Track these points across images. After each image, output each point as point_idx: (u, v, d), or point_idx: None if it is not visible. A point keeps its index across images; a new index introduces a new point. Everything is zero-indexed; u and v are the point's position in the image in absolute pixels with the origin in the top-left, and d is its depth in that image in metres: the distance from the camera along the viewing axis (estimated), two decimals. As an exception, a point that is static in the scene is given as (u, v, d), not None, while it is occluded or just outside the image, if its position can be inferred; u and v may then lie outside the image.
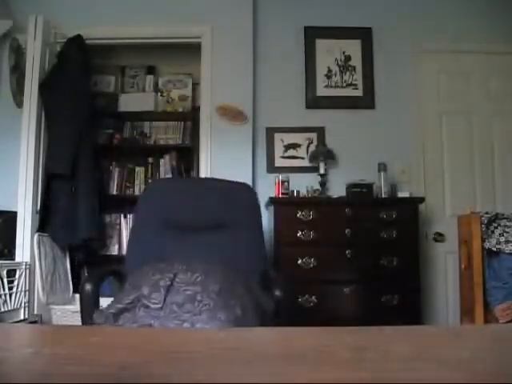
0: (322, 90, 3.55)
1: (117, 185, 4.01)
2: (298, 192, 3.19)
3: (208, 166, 3.37)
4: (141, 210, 2.39)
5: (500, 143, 3.56)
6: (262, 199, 3.33)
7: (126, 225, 3.90)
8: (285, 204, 3.06)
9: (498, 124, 3.57)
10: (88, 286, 1.80)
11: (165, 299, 1.64)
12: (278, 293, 1.83)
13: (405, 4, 3.62)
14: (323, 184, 3.32)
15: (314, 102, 3.54)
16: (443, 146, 3.55)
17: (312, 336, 0.49)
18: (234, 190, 2.48)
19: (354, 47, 3.60)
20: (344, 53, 3.59)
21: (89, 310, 1.74)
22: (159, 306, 1.62)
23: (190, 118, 4.07)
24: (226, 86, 3.41)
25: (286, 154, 3.50)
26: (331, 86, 3.57)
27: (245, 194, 2.47)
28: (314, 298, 2.87)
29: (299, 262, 2.90)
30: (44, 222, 3.10)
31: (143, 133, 4.16)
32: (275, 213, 2.99)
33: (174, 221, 2.32)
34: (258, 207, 2.47)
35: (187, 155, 4.12)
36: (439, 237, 3.45)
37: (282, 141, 3.50)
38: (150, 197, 2.40)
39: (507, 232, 2.79)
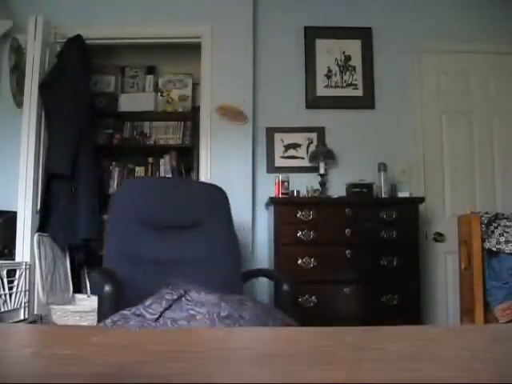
0: (321, 90, 3.55)
1: (117, 185, 4.02)
2: (298, 192, 3.19)
3: (208, 166, 3.37)
4: (117, 210, 2.32)
5: (500, 143, 3.56)
6: (262, 199, 3.34)
7: (125, 225, 3.89)
8: (285, 204, 3.06)
9: (498, 124, 3.58)
10: (107, 288, 1.72)
11: (163, 312, 1.51)
12: (285, 287, 1.98)
13: (405, 4, 3.63)
14: (323, 184, 3.32)
15: (314, 102, 3.54)
16: (443, 145, 3.55)
17: (312, 336, 0.49)
18: (206, 190, 2.54)
19: (354, 47, 3.60)
20: (344, 53, 3.59)
21: (107, 311, 1.66)
22: (154, 316, 1.50)
23: (190, 118, 4.08)
24: (226, 86, 3.41)
25: (286, 154, 3.50)
26: (331, 86, 3.57)
27: (216, 194, 2.51)
28: (313, 298, 2.87)
29: (299, 261, 2.90)
30: (44, 222, 3.10)
31: (143, 133, 4.16)
32: (275, 213, 2.99)
33: (151, 220, 2.29)
34: (229, 207, 2.50)
35: (187, 155, 4.13)
36: (439, 237, 3.45)
37: (282, 141, 3.50)
38: (126, 197, 2.36)
39: (507, 232, 2.79)
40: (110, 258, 2.20)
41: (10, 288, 2.77)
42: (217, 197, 2.50)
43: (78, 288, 3.35)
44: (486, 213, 2.92)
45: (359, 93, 3.57)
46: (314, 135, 3.50)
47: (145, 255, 2.17)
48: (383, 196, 3.17)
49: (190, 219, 2.35)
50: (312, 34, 3.60)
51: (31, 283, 2.94)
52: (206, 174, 3.36)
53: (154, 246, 2.22)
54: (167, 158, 4.09)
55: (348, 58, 3.59)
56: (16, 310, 2.82)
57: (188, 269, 2.18)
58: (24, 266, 2.91)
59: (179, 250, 2.24)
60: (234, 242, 2.42)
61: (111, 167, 4.07)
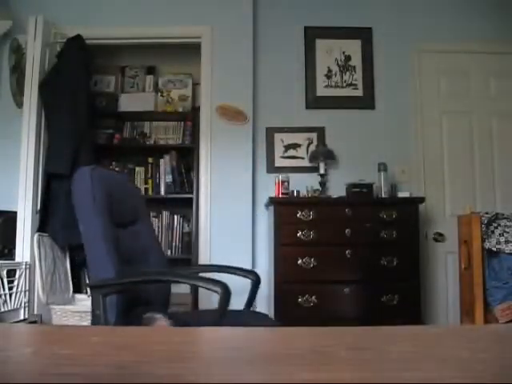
0: (322, 90, 3.55)
1: (117, 185, 4.01)
2: (298, 192, 3.19)
3: (208, 166, 3.37)
4: (90, 203, 1.97)
5: (500, 143, 3.56)
6: (262, 199, 3.34)
7: (125, 225, 3.89)
8: (285, 204, 3.06)
9: (498, 124, 3.58)
10: (222, 289, 1.60)
11: None
12: (253, 277, 2.19)
13: (405, 4, 3.63)
14: (323, 184, 3.32)
15: (314, 102, 3.54)
16: (443, 146, 3.55)
17: (312, 336, 0.49)
18: (134, 187, 2.58)
19: (353, 47, 3.60)
20: (344, 53, 3.59)
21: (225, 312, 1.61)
22: None
23: (190, 118, 4.07)
24: (226, 86, 3.41)
25: (286, 154, 3.50)
26: (331, 86, 3.57)
27: (139, 190, 2.54)
28: (314, 298, 2.87)
29: (299, 261, 2.90)
30: (44, 222, 3.10)
31: (143, 133, 4.16)
32: (275, 213, 2.99)
33: (113, 216, 2.05)
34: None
35: (187, 155, 4.12)
36: (439, 237, 3.45)
37: (282, 141, 3.50)
38: (96, 187, 1.98)
39: (507, 232, 2.79)
40: (105, 260, 1.88)
41: (10, 288, 2.77)
42: (140, 193, 2.52)
43: (78, 288, 3.35)
44: (486, 213, 2.92)
45: (359, 93, 3.57)
46: (314, 135, 3.50)
47: (121, 254, 1.96)
48: (383, 196, 3.17)
49: (132, 216, 2.25)
50: (312, 34, 3.60)
51: (31, 283, 2.94)
52: (205, 174, 3.36)
53: (122, 243, 2.04)
54: (167, 158, 4.08)
55: (348, 58, 3.59)
56: (16, 310, 2.82)
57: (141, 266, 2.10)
58: (24, 266, 2.91)
59: (133, 246, 2.14)
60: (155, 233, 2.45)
61: (111, 167, 4.06)
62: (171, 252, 3.98)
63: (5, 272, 2.73)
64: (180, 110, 4.12)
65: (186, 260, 3.80)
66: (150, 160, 4.12)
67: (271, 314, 2.79)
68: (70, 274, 3.27)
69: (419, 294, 2.98)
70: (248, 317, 2.11)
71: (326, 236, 2.94)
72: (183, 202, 3.97)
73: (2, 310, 2.69)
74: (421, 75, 3.58)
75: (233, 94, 3.40)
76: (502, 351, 0.41)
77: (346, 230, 2.93)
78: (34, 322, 2.88)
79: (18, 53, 3.42)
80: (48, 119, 3.19)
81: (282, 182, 3.17)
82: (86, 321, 2.74)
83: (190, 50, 3.62)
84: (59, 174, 3.09)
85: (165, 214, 4.06)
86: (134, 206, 2.29)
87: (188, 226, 4.07)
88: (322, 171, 3.33)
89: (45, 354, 0.39)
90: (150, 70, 4.31)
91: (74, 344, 0.44)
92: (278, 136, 3.50)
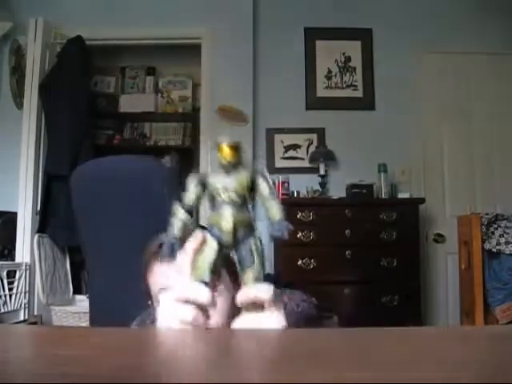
0: (322, 91, 3.56)
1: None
2: (298, 193, 3.19)
3: (208, 167, 3.37)
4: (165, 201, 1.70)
5: (500, 143, 3.56)
6: (262, 200, 3.34)
7: (126, 226, 3.89)
8: (285, 205, 3.05)
9: (498, 124, 3.58)
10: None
11: None
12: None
13: (405, 4, 3.63)
14: (323, 185, 3.32)
15: (314, 103, 3.54)
16: (443, 146, 3.55)
17: (312, 336, 0.49)
18: None
19: (354, 48, 3.60)
20: (344, 54, 3.60)
21: None
22: None
23: (190, 118, 4.08)
24: (226, 87, 3.41)
25: (286, 155, 3.50)
26: (331, 87, 3.57)
27: None
28: (313, 298, 2.87)
29: (299, 262, 2.90)
30: (44, 223, 3.10)
31: (143, 134, 4.17)
32: (275, 213, 2.99)
33: None
34: None
35: (187, 156, 4.13)
36: (439, 238, 3.45)
37: (282, 142, 3.50)
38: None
39: (507, 233, 2.79)
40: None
41: (10, 289, 2.77)
42: None
43: (78, 289, 3.35)
44: (486, 214, 2.92)
45: (359, 94, 3.57)
46: (314, 136, 3.51)
47: None
48: (383, 197, 3.17)
49: None
50: (312, 35, 3.60)
51: (31, 284, 2.94)
52: (206, 175, 3.36)
53: None
54: (167, 158, 4.09)
55: (348, 59, 3.59)
56: (16, 311, 2.82)
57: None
58: (24, 267, 2.91)
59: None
60: None
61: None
62: (171, 253, 3.98)
63: (5, 273, 2.73)
64: (180, 110, 4.13)
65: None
66: (150, 161, 4.12)
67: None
68: (70, 275, 3.27)
69: (419, 295, 2.98)
70: None
71: (326, 237, 2.94)
72: (183, 203, 3.97)
73: (2, 311, 2.68)
74: (421, 76, 3.58)
75: (233, 95, 3.40)
76: (502, 351, 0.41)
77: (346, 231, 2.94)
78: (34, 323, 2.87)
79: (18, 54, 3.43)
80: (48, 120, 3.19)
81: (282, 182, 3.17)
82: (86, 322, 2.74)
83: (190, 51, 3.62)
84: (59, 174, 3.09)
85: (165, 214, 4.07)
86: None
87: (188, 226, 4.07)
88: (322, 172, 3.33)
89: (45, 354, 0.39)
90: (150, 71, 4.32)
91: (75, 345, 0.44)
92: (278, 137, 3.50)
